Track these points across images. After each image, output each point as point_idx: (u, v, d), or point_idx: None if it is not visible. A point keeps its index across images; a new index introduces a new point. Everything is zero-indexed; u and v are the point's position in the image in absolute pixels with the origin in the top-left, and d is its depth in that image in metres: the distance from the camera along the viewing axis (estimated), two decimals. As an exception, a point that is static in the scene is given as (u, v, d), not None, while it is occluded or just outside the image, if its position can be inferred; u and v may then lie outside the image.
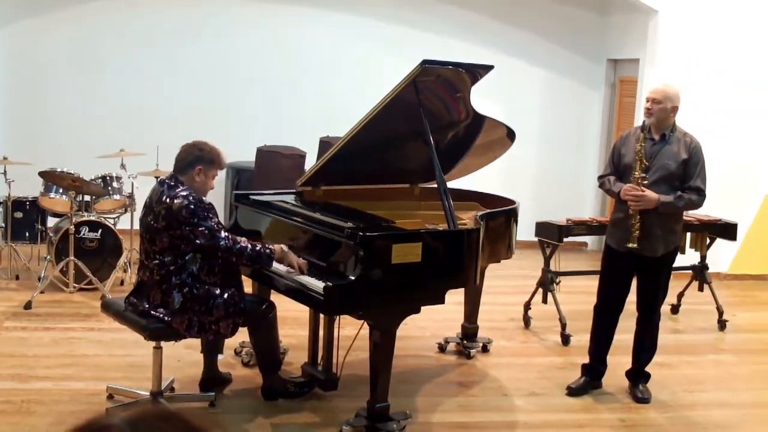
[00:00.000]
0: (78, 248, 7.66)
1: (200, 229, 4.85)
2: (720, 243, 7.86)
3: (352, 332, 5.47)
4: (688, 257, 7.58)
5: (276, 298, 5.50)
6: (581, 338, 6.60)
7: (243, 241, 5.01)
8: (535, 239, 7.37)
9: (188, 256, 4.92)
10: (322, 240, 5.14)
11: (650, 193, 5.42)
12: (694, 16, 9.20)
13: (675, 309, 8.05)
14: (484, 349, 6.72)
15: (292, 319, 6.76)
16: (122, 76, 10.07)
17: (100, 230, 7.89)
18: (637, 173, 5.46)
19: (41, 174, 7.72)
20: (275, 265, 5.11)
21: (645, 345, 5.90)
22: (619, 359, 6.03)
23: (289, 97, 10.25)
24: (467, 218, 5.66)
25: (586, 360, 6.03)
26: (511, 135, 6.36)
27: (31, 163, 8.14)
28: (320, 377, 5.62)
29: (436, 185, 5.33)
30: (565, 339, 7.00)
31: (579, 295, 7.41)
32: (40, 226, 8.34)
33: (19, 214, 8.24)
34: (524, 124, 9.03)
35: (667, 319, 7.38)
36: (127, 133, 9.51)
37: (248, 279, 5.49)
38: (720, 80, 9.28)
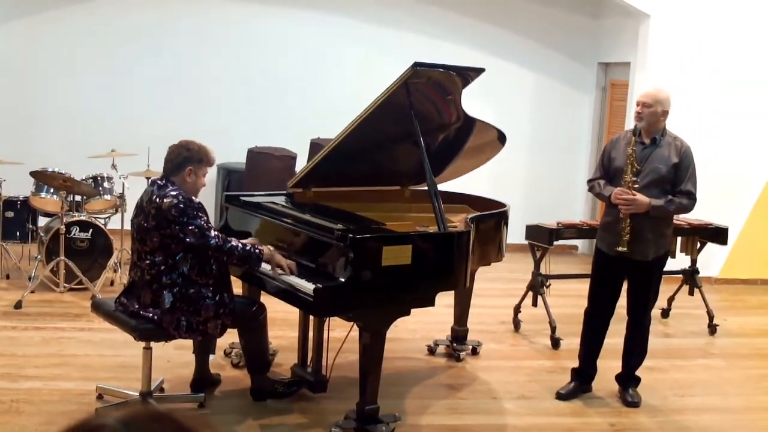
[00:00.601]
0: (68, 248, 7.65)
1: (190, 227, 4.85)
2: (711, 247, 7.87)
3: (341, 334, 5.47)
4: (679, 261, 7.59)
5: (266, 299, 5.49)
6: (571, 342, 6.61)
7: (233, 241, 5.01)
8: (526, 242, 7.38)
9: (179, 256, 4.92)
10: (313, 242, 5.13)
11: (641, 197, 5.43)
12: (685, 21, 9.22)
13: (665, 313, 8.07)
14: (474, 351, 6.72)
15: (281, 321, 6.75)
16: (113, 77, 10.06)
17: (90, 230, 7.88)
18: (628, 177, 5.46)
19: (32, 174, 7.71)
20: (265, 267, 5.11)
21: (635, 349, 5.90)
22: (609, 363, 6.04)
23: (281, 98, 10.25)
24: (457, 221, 5.66)
25: (576, 364, 6.03)
26: (501, 138, 6.37)
27: (23, 162, 8.12)
28: (310, 379, 5.62)
29: (426, 187, 5.33)
30: (555, 342, 7.00)
31: (569, 299, 7.42)
32: (30, 226, 8.33)
33: (10, 214, 8.23)
34: (515, 127, 9.05)
35: (657, 323, 7.39)
36: (119, 133, 9.50)
37: (238, 280, 5.48)
38: (710, 84, 9.30)
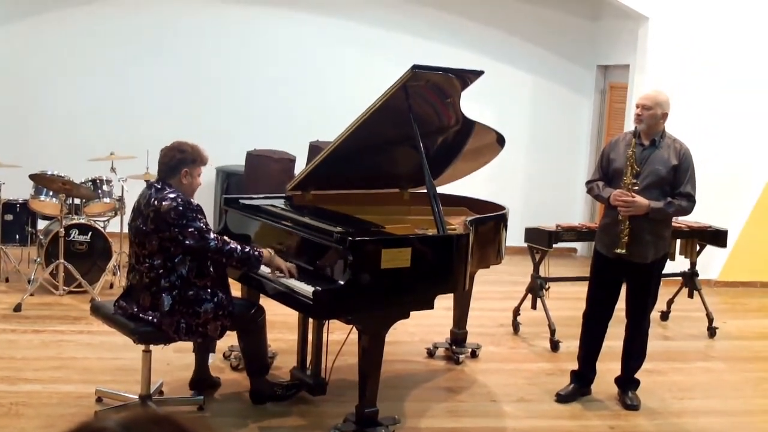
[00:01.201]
0: (68, 251, 7.65)
1: (189, 230, 4.85)
2: (710, 250, 7.87)
3: (341, 337, 5.47)
4: (678, 264, 7.59)
5: (265, 302, 5.49)
6: (570, 344, 6.61)
7: (232, 243, 5.02)
8: (525, 245, 7.37)
9: (177, 259, 4.92)
10: (312, 244, 5.13)
11: (640, 199, 5.43)
12: (685, 23, 9.23)
13: (665, 316, 8.06)
14: (473, 354, 6.72)
15: (281, 324, 6.76)
16: (113, 79, 10.06)
17: (89, 233, 7.87)
18: (627, 179, 5.47)
19: (31, 177, 7.71)
20: (264, 269, 5.11)
21: (634, 352, 5.90)
22: (609, 366, 6.04)
23: (279, 101, 10.25)
24: (457, 223, 5.66)
25: (575, 366, 6.03)
26: (500, 140, 6.37)
27: (22, 165, 8.14)
28: (309, 382, 5.61)
29: (425, 190, 5.33)
30: (554, 345, 7.00)
31: (568, 301, 7.43)
32: (30, 229, 8.32)
33: (9, 217, 8.23)
34: (514, 130, 9.07)
35: (656, 325, 7.40)
36: (118, 136, 9.51)
37: (237, 283, 5.48)
38: (709, 86, 9.31)
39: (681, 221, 7.25)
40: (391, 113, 5.36)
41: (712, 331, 7.69)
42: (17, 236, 8.31)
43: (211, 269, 5.01)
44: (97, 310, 5.43)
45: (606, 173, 5.74)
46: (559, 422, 5.60)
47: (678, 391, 6.27)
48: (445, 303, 6.08)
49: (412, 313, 5.04)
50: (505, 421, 5.56)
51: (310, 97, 10.26)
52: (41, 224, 8.46)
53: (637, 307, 5.77)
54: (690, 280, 7.80)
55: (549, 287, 7.25)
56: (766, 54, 9.42)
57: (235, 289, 5.31)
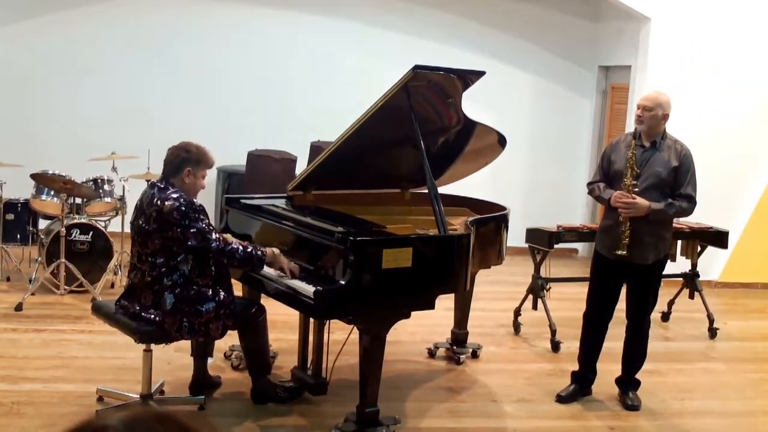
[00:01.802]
0: (69, 250, 7.65)
1: (191, 230, 4.85)
2: (711, 250, 7.87)
3: (341, 337, 5.47)
4: (679, 265, 7.59)
5: (266, 301, 5.50)
6: (571, 345, 6.61)
7: (234, 243, 5.02)
8: (526, 245, 7.38)
9: (180, 258, 4.92)
10: (313, 244, 5.14)
11: (641, 201, 5.43)
12: (686, 24, 9.23)
13: (665, 316, 8.07)
14: (474, 354, 6.72)
15: (282, 323, 6.76)
16: (114, 79, 10.07)
17: (91, 233, 7.88)
18: (628, 180, 5.47)
19: (33, 176, 7.71)
20: (266, 269, 5.11)
21: (635, 352, 5.90)
22: (609, 366, 6.04)
23: (281, 101, 10.26)
24: (458, 224, 5.67)
25: (576, 367, 6.04)
26: (502, 141, 6.37)
27: (23, 165, 8.14)
28: (310, 381, 5.62)
29: (426, 190, 5.33)
30: (555, 346, 7.00)
31: (569, 302, 7.43)
32: (31, 228, 8.32)
33: (10, 216, 8.23)
34: (515, 131, 9.07)
35: (657, 326, 7.40)
36: (119, 136, 9.52)
37: (238, 282, 5.49)
38: (710, 88, 9.32)
39: (682, 222, 7.25)
40: (393, 113, 5.36)
41: (712, 332, 7.69)
42: (18, 236, 8.31)
43: (213, 268, 5.02)
44: (98, 310, 5.43)
45: (607, 174, 5.74)
46: (559, 423, 5.60)
47: (678, 391, 6.27)
48: (446, 303, 6.08)
49: (413, 313, 5.04)
50: (506, 422, 5.56)
51: (312, 97, 10.27)
52: (42, 224, 8.46)
53: (638, 308, 5.78)
54: (691, 280, 7.80)
55: (550, 288, 7.25)
56: (767, 54, 9.41)
57: (236, 289, 5.31)
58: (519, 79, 10.69)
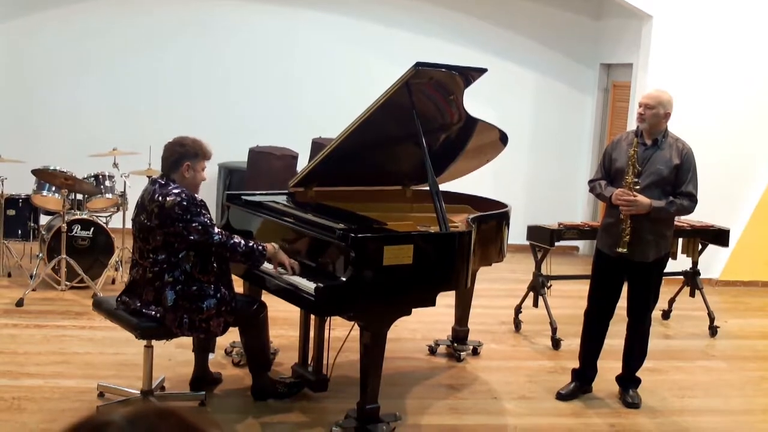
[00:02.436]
0: (70, 246, 7.66)
1: (193, 225, 4.86)
2: (712, 249, 7.87)
3: (342, 333, 5.47)
4: (680, 263, 7.59)
5: (267, 298, 5.50)
6: (572, 342, 6.62)
7: (236, 238, 5.02)
8: (527, 243, 7.38)
9: (181, 254, 4.92)
10: (314, 241, 5.14)
11: (642, 198, 5.43)
12: (688, 22, 9.22)
13: (666, 314, 8.07)
14: (475, 352, 6.73)
15: (282, 320, 6.76)
16: (115, 75, 10.08)
17: (92, 229, 7.88)
18: (629, 178, 5.46)
19: (34, 172, 7.71)
20: (267, 265, 5.11)
21: (635, 350, 5.90)
22: (610, 364, 6.04)
23: (282, 97, 10.26)
24: (459, 221, 5.66)
25: (577, 364, 6.04)
26: (503, 138, 6.37)
27: (24, 161, 8.15)
28: (310, 378, 5.62)
29: (428, 187, 5.33)
30: (556, 343, 7.01)
31: (570, 300, 7.43)
32: (32, 224, 8.34)
33: (11, 212, 8.24)
34: (517, 128, 9.07)
35: (657, 324, 7.40)
36: (120, 132, 9.52)
37: (239, 279, 5.49)
38: (713, 85, 9.31)
39: (683, 220, 7.25)
40: (394, 110, 5.36)
41: (713, 330, 7.69)
42: (20, 231, 8.33)
43: (215, 265, 5.02)
44: (99, 306, 5.44)
45: (608, 172, 5.74)
46: (560, 420, 5.60)
47: (679, 389, 6.27)
48: (446, 300, 6.09)
49: (414, 311, 5.04)
50: (506, 419, 5.57)
51: (313, 93, 10.27)
52: (44, 219, 8.48)
53: (639, 306, 5.78)
54: (692, 279, 7.80)
55: (551, 285, 7.25)
56: (769, 53, 9.42)
57: (237, 285, 5.32)
58: (521, 77, 10.69)
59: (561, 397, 5.90)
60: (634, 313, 5.82)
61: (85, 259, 7.77)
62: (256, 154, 9.15)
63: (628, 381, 5.95)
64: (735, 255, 9.46)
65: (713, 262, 9.19)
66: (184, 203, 4.86)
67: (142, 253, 5.03)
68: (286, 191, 6.15)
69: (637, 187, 5.46)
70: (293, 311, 5.83)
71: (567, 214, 9.59)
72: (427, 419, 5.43)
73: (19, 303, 7.25)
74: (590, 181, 5.93)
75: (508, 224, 6.22)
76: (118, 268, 8.14)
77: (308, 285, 4.77)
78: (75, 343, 6.46)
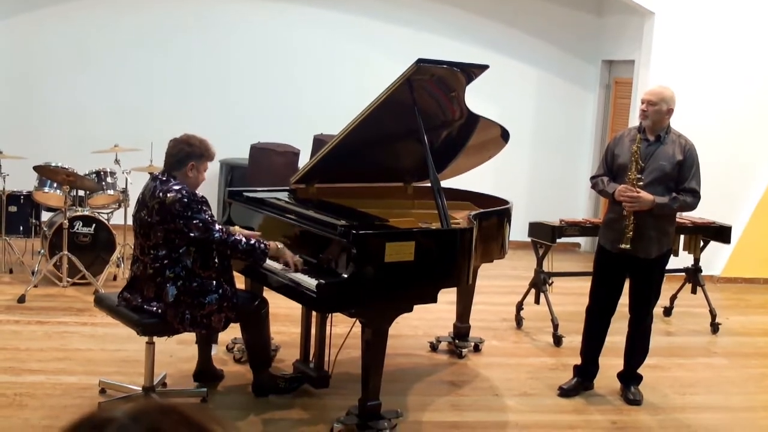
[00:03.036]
0: (71, 243, 7.66)
1: (194, 221, 4.86)
2: (714, 245, 7.86)
3: (344, 330, 5.47)
4: (682, 259, 7.59)
5: (268, 294, 5.50)
6: (573, 339, 6.62)
7: (237, 234, 5.02)
8: (528, 239, 7.38)
9: (182, 250, 4.93)
10: (315, 237, 5.14)
11: (645, 195, 5.42)
12: (690, 18, 9.21)
13: (668, 311, 8.06)
14: (476, 348, 6.73)
15: (284, 316, 6.77)
16: (117, 72, 10.08)
17: (93, 225, 7.89)
18: (632, 174, 5.46)
19: (36, 168, 7.72)
20: (269, 262, 5.11)
21: (637, 347, 5.90)
22: (611, 361, 6.04)
23: (284, 94, 10.26)
24: (460, 217, 5.67)
25: (578, 361, 6.04)
26: (505, 135, 6.37)
27: (26, 157, 8.14)
28: (312, 375, 5.62)
29: (429, 184, 5.33)
30: (557, 340, 7.01)
31: (571, 296, 7.43)
32: (34, 221, 8.34)
33: (13, 208, 8.24)
34: (518, 124, 9.07)
35: (659, 321, 7.39)
36: (122, 128, 9.53)
37: (241, 275, 5.49)
38: (715, 82, 9.30)
39: (685, 217, 7.25)
40: (396, 107, 5.36)
41: (715, 327, 7.69)
42: (21, 228, 8.33)
43: (216, 261, 5.02)
44: (100, 302, 5.44)
45: (611, 169, 5.73)
46: (561, 417, 5.60)
47: (680, 386, 6.27)
48: (448, 297, 6.08)
49: (416, 307, 5.04)
50: (508, 415, 5.56)
51: (315, 90, 10.27)
52: (45, 216, 8.48)
53: (640, 303, 5.78)
54: (693, 275, 7.80)
55: (552, 282, 7.25)
56: (771, 50, 9.41)
57: (239, 282, 5.32)
58: (522, 73, 10.68)
59: (562, 393, 5.90)
60: (635, 309, 5.81)
61: (86, 256, 7.78)
62: (257, 150, 9.16)
63: (629, 378, 5.95)
64: (737, 252, 9.45)
65: (715, 259, 9.18)
66: (185, 200, 4.86)
67: (142, 249, 5.03)
68: (288, 188, 6.15)
69: (640, 183, 5.45)
70: (295, 308, 5.83)
71: (568, 210, 9.57)
72: (428, 416, 5.44)
73: (21, 299, 7.25)
74: (592, 178, 5.93)
75: (509, 221, 6.22)
76: (119, 264, 8.15)
77: (310, 282, 4.77)
78: (77, 340, 6.46)
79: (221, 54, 10.21)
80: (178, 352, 6.07)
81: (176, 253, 4.93)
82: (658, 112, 5.49)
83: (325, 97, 10.12)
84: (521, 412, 5.63)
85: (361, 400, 5.00)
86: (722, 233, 7.65)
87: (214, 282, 5.00)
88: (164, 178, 5.01)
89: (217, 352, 5.96)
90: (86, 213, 7.91)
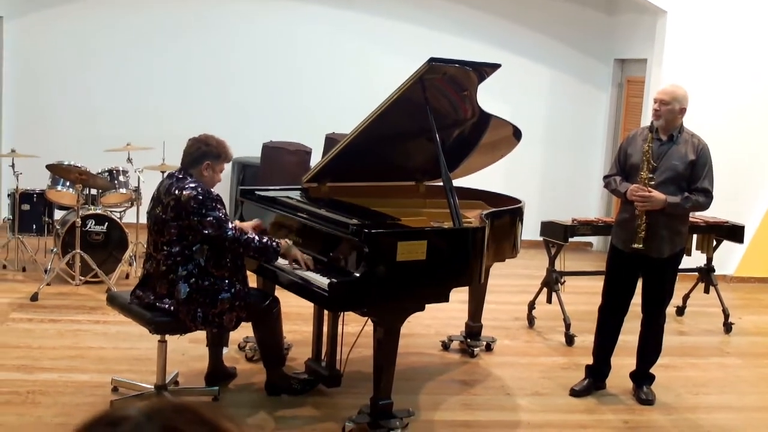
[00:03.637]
0: (84, 241, 7.68)
1: (208, 219, 4.87)
2: (727, 245, 7.84)
3: (356, 329, 5.48)
4: (695, 259, 7.56)
5: (280, 293, 5.51)
6: (585, 339, 6.61)
7: (250, 233, 5.03)
8: (540, 239, 7.36)
9: (196, 248, 4.94)
10: (327, 236, 5.14)
11: (657, 194, 5.41)
12: (702, 17, 9.18)
13: (680, 311, 8.04)
14: (488, 347, 6.72)
15: (296, 315, 6.77)
16: (129, 71, 10.10)
17: (106, 223, 7.90)
18: (644, 174, 5.45)
19: (48, 167, 7.74)
20: (281, 261, 5.12)
21: (649, 346, 5.89)
22: (624, 360, 6.03)
23: (296, 93, 10.27)
24: (473, 217, 5.66)
25: (590, 361, 6.03)
26: (517, 134, 6.36)
27: (39, 156, 8.17)
28: (324, 373, 5.62)
29: (441, 183, 5.33)
30: (569, 339, 6.99)
31: (583, 296, 7.41)
32: (46, 219, 8.36)
33: (26, 207, 8.26)
34: (530, 123, 9.05)
35: (672, 320, 7.37)
36: (134, 127, 9.54)
37: (253, 274, 5.50)
38: (727, 81, 9.26)
39: (698, 216, 7.23)
40: (408, 106, 5.36)
41: (727, 327, 7.67)
42: (34, 226, 8.35)
43: (229, 260, 5.03)
44: (113, 300, 5.45)
45: (623, 168, 5.72)
46: (573, 416, 5.59)
47: (693, 386, 6.25)
48: (460, 296, 6.08)
49: (428, 306, 5.04)
50: (520, 415, 5.56)
51: (327, 89, 10.27)
52: (58, 214, 8.50)
53: (653, 302, 5.76)
54: (706, 275, 7.77)
55: (564, 281, 7.24)
56: (784, 49, 9.37)
57: (251, 280, 5.32)
58: (534, 72, 10.66)
59: (574, 393, 5.89)
60: (648, 309, 5.80)
61: (99, 254, 7.79)
62: (269, 149, 9.16)
63: (642, 377, 5.94)
64: (750, 251, 9.41)
65: (728, 258, 9.14)
66: (200, 197, 4.88)
67: (156, 246, 5.05)
68: (300, 186, 6.15)
69: (652, 182, 5.44)
70: (306, 306, 5.83)
71: (581, 209, 9.55)
72: (439, 415, 5.44)
73: (34, 297, 7.27)
74: (605, 177, 5.91)
75: (521, 220, 6.22)
76: (132, 262, 8.16)
77: (322, 280, 4.77)
78: (89, 338, 6.48)
79: (234, 53, 10.22)
80: (190, 350, 6.08)
81: (189, 250, 4.94)
82: (671, 111, 5.47)
83: (337, 96, 10.12)
84: (533, 411, 5.62)
85: (373, 398, 5.00)
86: (735, 233, 7.63)
87: (227, 281, 5.01)
88: (180, 176, 5.03)
89: (229, 351, 5.97)
90: (99, 211, 7.93)
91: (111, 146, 8.37)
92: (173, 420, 1.29)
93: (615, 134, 10.80)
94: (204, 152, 5.06)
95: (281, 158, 8.96)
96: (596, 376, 5.98)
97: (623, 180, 5.66)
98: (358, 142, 5.55)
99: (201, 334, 5.50)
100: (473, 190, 6.65)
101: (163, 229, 4.97)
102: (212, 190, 5.05)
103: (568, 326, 7.01)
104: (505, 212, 6.02)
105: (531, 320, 7.44)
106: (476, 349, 6.60)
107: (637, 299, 5.83)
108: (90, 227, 7.84)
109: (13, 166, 8.07)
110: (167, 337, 5.16)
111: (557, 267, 7.18)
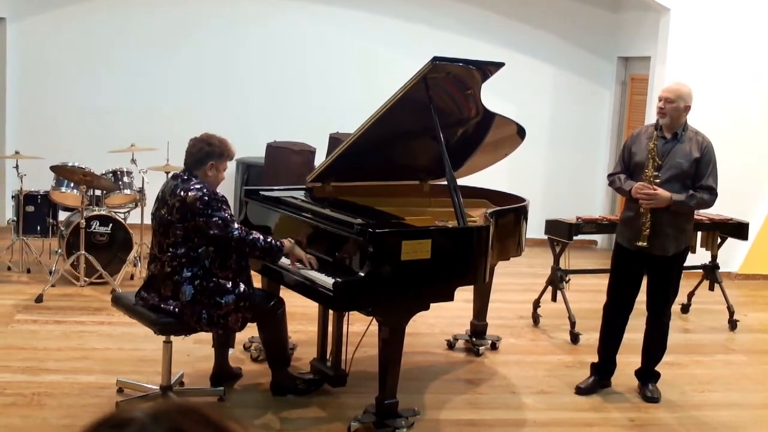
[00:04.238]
0: (89, 242, 7.68)
1: (214, 219, 4.88)
2: (731, 242, 7.83)
3: (361, 328, 5.48)
4: (699, 256, 7.56)
5: (285, 293, 5.51)
6: (590, 337, 6.60)
7: (255, 233, 5.04)
8: (545, 237, 7.36)
9: (201, 249, 4.94)
10: (332, 236, 5.14)
11: (662, 192, 5.40)
12: (706, 14, 9.16)
13: (685, 308, 8.03)
14: (493, 346, 6.71)
15: (301, 315, 6.77)
16: (133, 72, 10.10)
17: (110, 224, 7.91)
18: (649, 172, 5.44)
19: (53, 168, 7.74)
20: (285, 260, 5.13)
21: (655, 344, 5.88)
22: (629, 358, 6.02)
23: (300, 93, 10.27)
24: (477, 215, 5.66)
25: (596, 359, 6.02)
26: (521, 132, 6.35)
27: (43, 157, 8.17)
28: (329, 373, 5.62)
29: (445, 182, 5.33)
30: (575, 337, 6.99)
31: (588, 294, 7.41)
32: (51, 220, 8.36)
33: (30, 208, 8.26)
34: (534, 122, 9.05)
35: (677, 318, 7.36)
36: (138, 128, 9.54)
37: (257, 274, 5.50)
38: (731, 79, 9.25)
39: (702, 214, 7.22)
40: (412, 105, 5.35)
41: (732, 324, 7.66)
42: (38, 227, 8.35)
43: (234, 262, 5.03)
44: (117, 301, 5.46)
45: (628, 166, 5.71)
46: (579, 414, 5.59)
47: (698, 383, 6.25)
48: (465, 295, 6.08)
49: (432, 305, 5.04)
50: (525, 413, 5.56)
51: (331, 88, 10.27)
52: (62, 215, 8.50)
53: (658, 300, 5.76)
54: (711, 272, 7.77)
55: (569, 279, 7.23)
56: (788, 45, 9.35)
57: (255, 281, 5.32)
58: (538, 70, 10.65)
59: (580, 391, 5.89)
60: (653, 307, 5.80)
61: (103, 255, 7.80)
62: (273, 149, 9.16)
63: (647, 375, 5.93)
64: (754, 248, 9.40)
65: (732, 255, 9.13)
66: (206, 198, 4.89)
67: (161, 248, 5.05)
68: (304, 186, 6.15)
69: (657, 180, 5.43)
70: (311, 306, 5.83)
71: (585, 208, 9.55)
72: (445, 414, 5.43)
73: (39, 299, 7.28)
74: (610, 175, 5.91)
75: (526, 218, 6.21)
76: (136, 263, 8.17)
77: (326, 280, 4.77)
78: (94, 339, 6.48)
79: (237, 53, 10.23)
80: (195, 351, 6.08)
81: (195, 252, 4.94)
82: (676, 109, 5.47)
83: (341, 96, 10.12)
84: (538, 409, 5.62)
85: (378, 398, 5.00)
86: (740, 230, 7.63)
87: (231, 282, 5.01)
88: (185, 177, 5.03)
89: (235, 351, 5.97)
90: (103, 212, 7.94)
91: (115, 147, 8.38)
92: (179, 421, 1.29)
93: (619, 132, 10.79)
94: (207, 152, 5.06)
95: (285, 158, 8.96)
96: (601, 374, 5.98)
97: (628, 178, 5.66)
98: (362, 142, 5.55)
99: (206, 335, 5.50)
100: (477, 188, 6.64)
101: (168, 230, 4.98)
102: (217, 190, 5.05)
103: (573, 324, 7.01)
104: (510, 211, 6.01)
105: (536, 319, 7.44)
106: (481, 348, 6.60)
107: (642, 297, 5.82)
108: (94, 228, 7.85)
109: (17, 167, 8.07)
110: (172, 337, 5.16)
111: (562, 265, 7.17)
